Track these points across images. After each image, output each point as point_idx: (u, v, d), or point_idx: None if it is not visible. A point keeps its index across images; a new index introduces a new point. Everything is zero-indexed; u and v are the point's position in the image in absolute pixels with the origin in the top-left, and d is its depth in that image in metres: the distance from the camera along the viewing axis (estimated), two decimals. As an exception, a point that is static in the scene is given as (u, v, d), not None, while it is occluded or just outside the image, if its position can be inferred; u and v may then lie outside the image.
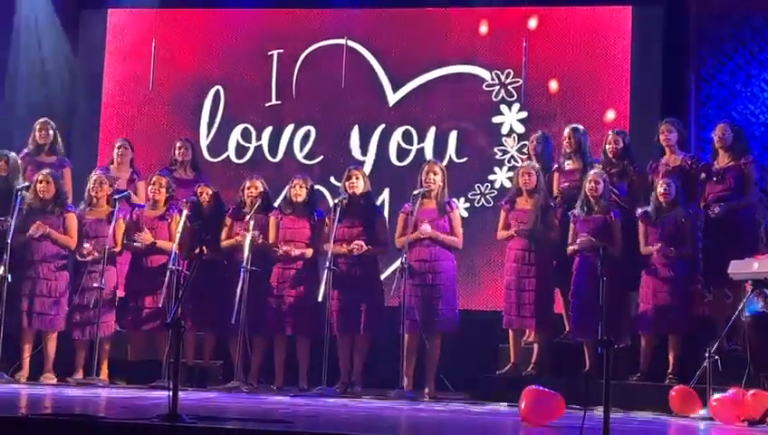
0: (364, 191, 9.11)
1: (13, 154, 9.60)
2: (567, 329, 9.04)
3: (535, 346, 8.91)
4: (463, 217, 9.44)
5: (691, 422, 7.34)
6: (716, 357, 7.40)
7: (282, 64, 11.07)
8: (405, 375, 8.72)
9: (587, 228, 8.60)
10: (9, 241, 8.80)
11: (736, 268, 7.59)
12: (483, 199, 10.48)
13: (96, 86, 11.30)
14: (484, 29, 10.76)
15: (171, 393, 5.21)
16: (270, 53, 11.10)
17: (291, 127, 10.94)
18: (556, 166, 9.31)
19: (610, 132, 9.14)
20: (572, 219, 8.78)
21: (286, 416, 6.08)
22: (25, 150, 9.85)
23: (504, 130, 10.59)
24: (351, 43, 10.88)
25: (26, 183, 9.26)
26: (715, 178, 8.76)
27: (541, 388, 6.39)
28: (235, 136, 11.06)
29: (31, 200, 9.19)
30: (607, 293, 5.56)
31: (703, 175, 8.85)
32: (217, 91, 11.12)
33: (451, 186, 9.21)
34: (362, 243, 8.90)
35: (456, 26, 10.84)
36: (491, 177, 10.54)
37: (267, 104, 11.06)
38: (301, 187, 9.18)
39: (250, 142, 11.03)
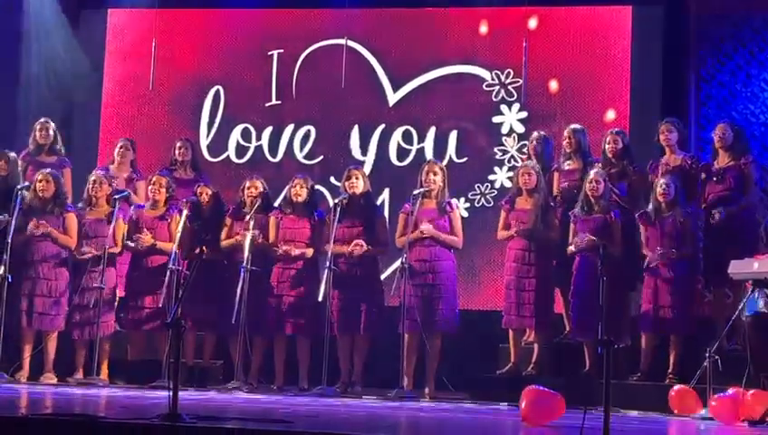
0: (364, 191, 9.12)
1: (12, 154, 9.61)
2: (567, 329, 9.04)
3: (535, 346, 8.91)
4: (463, 217, 9.44)
5: (691, 422, 7.34)
6: (716, 357, 7.40)
7: (282, 64, 11.07)
8: (405, 375, 8.72)
9: (587, 228, 8.60)
10: (9, 241, 8.81)
11: (736, 268, 7.59)
12: (483, 199, 10.48)
13: (96, 86, 11.30)
14: (484, 29, 10.76)
15: (171, 393, 5.21)
16: (270, 53, 11.10)
17: (291, 127, 10.95)
18: (556, 166, 9.31)
19: (609, 132, 9.14)
20: (572, 219, 8.78)
21: (286, 416, 6.07)
22: (26, 150, 9.85)
23: (504, 130, 10.59)
24: (351, 43, 10.88)
25: (26, 183, 9.27)
26: (715, 178, 8.75)
27: (541, 388, 6.38)
28: (235, 136, 11.06)
29: (30, 199, 9.19)
30: (607, 293, 5.56)
31: (703, 175, 8.85)
32: (217, 91, 11.12)
33: (451, 186, 9.22)
34: (362, 242, 8.90)
35: (455, 26, 10.84)
36: (491, 177, 10.54)
37: (267, 104, 11.07)
38: (301, 187, 9.18)
39: (250, 142, 11.03)
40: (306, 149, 10.90)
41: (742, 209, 8.64)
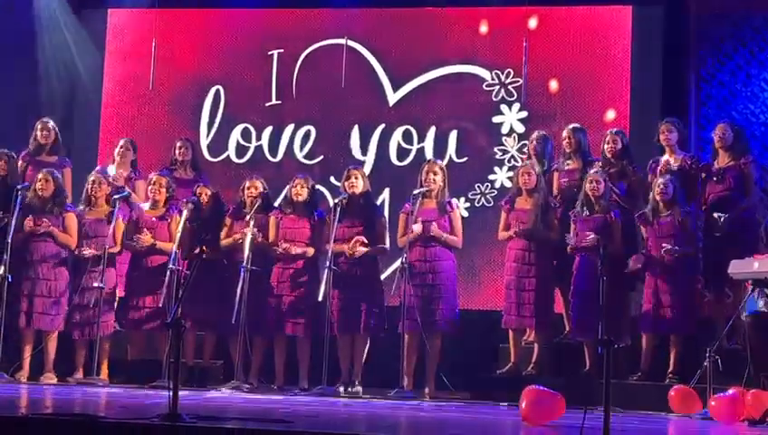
0: (364, 191, 9.11)
1: (12, 154, 9.60)
2: (567, 329, 9.04)
3: (535, 346, 8.91)
4: (463, 217, 9.43)
5: (691, 422, 7.33)
6: (716, 357, 7.40)
7: (282, 64, 11.07)
8: (405, 375, 8.72)
9: (587, 228, 8.60)
10: (9, 241, 8.81)
11: (736, 268, 7.59)
12: (483, 199, 10.48)
13: (96, 86, 11.30)
14: (484, 29, 10.76)
15: (171, 393, 5.21)
16: (270, 52, 11.10)
17: (291, 127, 10.95)
18: (556, 165, 9.31)
19: (608, 132, 9.13)
20: (573, 219, 8.78)
21: (286, 416, 6.07)
22: (26, 150, 9.85)
23: (504, 130, 10.59)
24: (351, 43, 10.88)
25: (26, 183, 9.27)
26: (715, 178, 8.76)
27: (541, 388, 6.38)
28: (235, 136, 11.06)
29: (30, 199, 9.19)
30: (607, 293, 5.56)
31: (703, 175, 8.85)
32: (217, 91, 11.12)
33: (451, 186, 9.21)
34: (362, 238, 8.89)
35: (455, 26, 10.84)
36: (491, 176, 10.54)
37: (267, 104, 11.07)
38: (302, 186, 9.18)
39: (250, 142, 11.03)
40: (306, 149, 10.90)
41: (742, 210, 8.64)
